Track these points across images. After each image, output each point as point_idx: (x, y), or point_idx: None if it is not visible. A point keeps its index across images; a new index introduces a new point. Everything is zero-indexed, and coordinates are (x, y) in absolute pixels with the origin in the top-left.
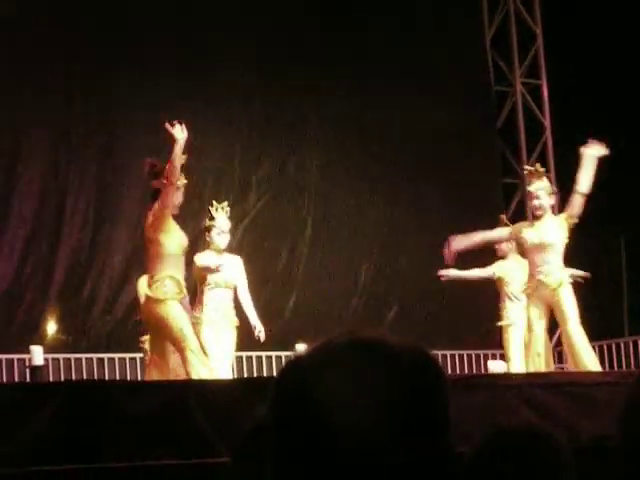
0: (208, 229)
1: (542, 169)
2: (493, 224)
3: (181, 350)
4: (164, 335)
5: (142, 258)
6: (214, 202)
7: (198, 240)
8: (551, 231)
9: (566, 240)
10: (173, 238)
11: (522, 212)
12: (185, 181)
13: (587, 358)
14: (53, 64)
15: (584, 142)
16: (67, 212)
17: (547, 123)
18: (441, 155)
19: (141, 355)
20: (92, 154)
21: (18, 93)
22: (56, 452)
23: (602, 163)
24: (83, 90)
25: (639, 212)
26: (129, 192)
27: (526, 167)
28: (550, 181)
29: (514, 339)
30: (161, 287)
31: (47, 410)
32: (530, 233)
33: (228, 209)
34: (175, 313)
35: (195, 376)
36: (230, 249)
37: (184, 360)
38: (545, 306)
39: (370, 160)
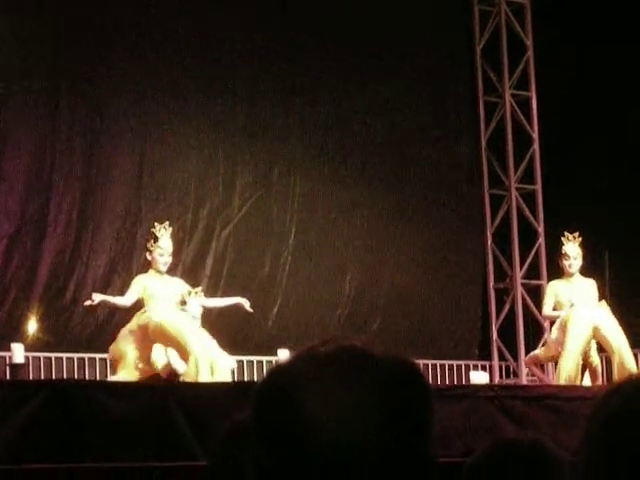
0: (150, 250)
1: (579, 238)
2: (477, 236)
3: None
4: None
5: (126, 260)
6: (156, 224)
7: (181, 245)
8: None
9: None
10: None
11: (508, 223)
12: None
13: None
14: (38, 64)
15: (571, 155)
16: (51, 212)
17: (535, 135)
18: (426, 167)
19: None
20: (76, 155)
21: (4, 93)
22: (34, 450)
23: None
24: (69, 90)
25: (623, 228)
26: (113, 193)
27: (566, 233)
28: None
29: None
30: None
31: (27, 408)
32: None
33: (170, 229)
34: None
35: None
36: (214, 255)
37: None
38: None
39: (354, 169)
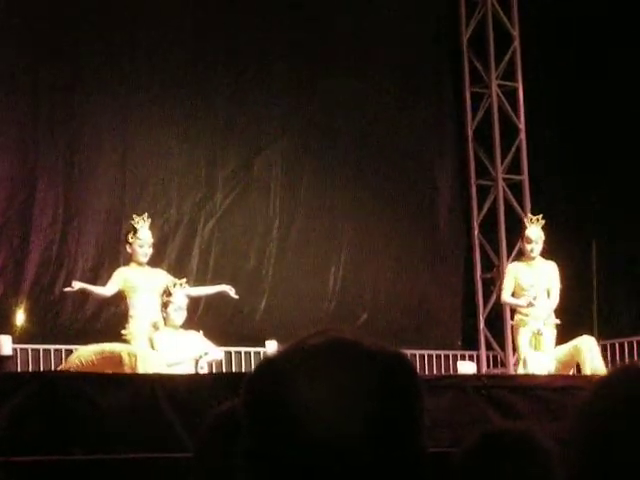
0: (130, 242)
1: (543, 221)
2: (460, 227)
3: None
4: None
5: (113, 254)
6: (134, 216)
7: (168, 239)
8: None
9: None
10: None
11: (494, 214)
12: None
13: None
14: (19, 58)
15: (557, 145)
16: (36, 207)
17: (522, 126)
18: (411, 158)
19: None
20: (59, 150)
21: None
22: (22, 443)
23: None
24: (49, 87)
25: (611, 217)
26: (96, 188)
27: (529, 215)
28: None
29: None
30: None
31: (14, 400)
32: (525, 273)
33: (149, 221)
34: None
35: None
36: (199, 249)
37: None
38: None
39: (337, 161)
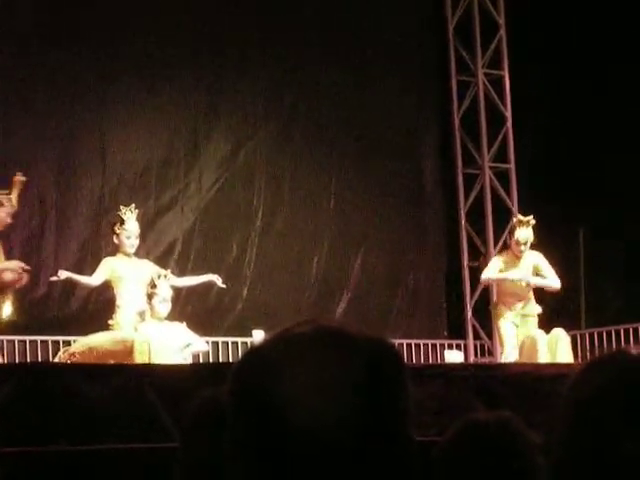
0: (117, 233)
1: (533, 221)
2: (448, 216)
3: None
4: None
5: (94, 249)
6: (121, 206)
7: (148, 230)
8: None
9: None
10: None
11: (481, 203)
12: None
13: None
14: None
15: (544, 133)
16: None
17: (508, 114)
18: (396, 148)
19: None
20: (35, 143)
21: None
22: (8, 434)
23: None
24: (24, 79)
25: (598, 207)
26: (74, 179)
27: (519, 216)
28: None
29: None
30: None
31: (1, 392)
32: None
33: (137, 212)
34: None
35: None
36: (182, 239)
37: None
38: None
39: (321, 151)
